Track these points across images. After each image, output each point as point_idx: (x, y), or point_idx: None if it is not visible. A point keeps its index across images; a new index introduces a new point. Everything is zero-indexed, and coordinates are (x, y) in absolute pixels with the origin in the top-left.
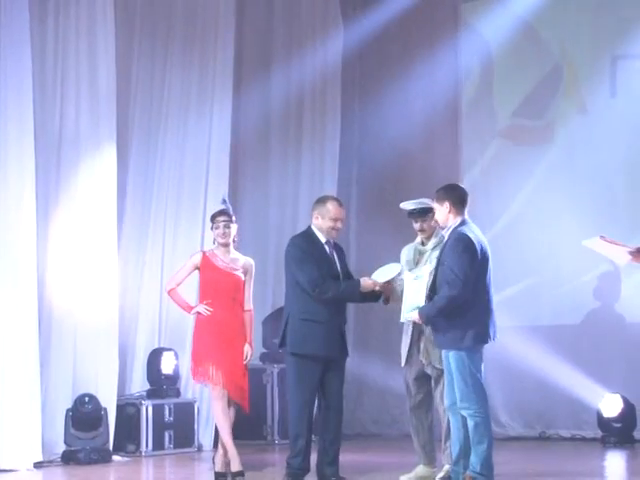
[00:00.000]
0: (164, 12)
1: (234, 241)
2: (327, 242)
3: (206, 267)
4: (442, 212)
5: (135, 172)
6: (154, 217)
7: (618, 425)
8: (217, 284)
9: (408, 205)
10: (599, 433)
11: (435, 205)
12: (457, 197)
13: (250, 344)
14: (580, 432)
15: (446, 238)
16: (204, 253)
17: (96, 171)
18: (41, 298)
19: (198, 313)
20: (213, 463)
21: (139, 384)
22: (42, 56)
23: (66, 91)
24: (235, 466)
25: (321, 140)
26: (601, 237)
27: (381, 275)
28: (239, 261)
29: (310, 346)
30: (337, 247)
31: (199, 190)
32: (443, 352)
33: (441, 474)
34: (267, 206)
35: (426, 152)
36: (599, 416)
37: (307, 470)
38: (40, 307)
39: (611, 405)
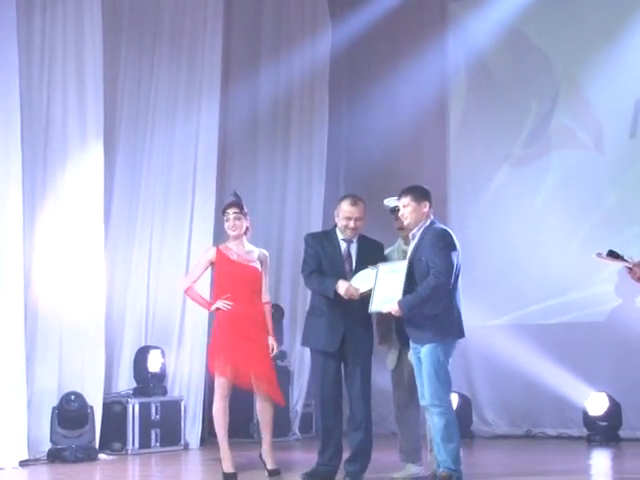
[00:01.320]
0: (152, 10)
1: (246, 233)
2: (345, 240)
3: (221, 261)
4: (419, 211)
5: (122, 170)
6: (141, 216)
7: (604, 424)
8: (235, 277)
9: (391, 202)
10: (585, 432)
11: (411, 204)
12: (431, 197)
13: (273, 337)
14: (566, 430)
15: (418, 236)
16: (218, 247)
17: (83, 170)
18: (27, 296)
19: (217, 309)
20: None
21: (126, 382)
22: (29, 55)
23: (53, 89)
24: (227, 467)
25: (309, 138)
26: (597, 255)
27: (361, 282)
28: (254, 252)
29: (312, 340)
30: (366, 245)
31: (187, 189)
32: (415, 347)
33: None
34: (254, 203)
35: (414, 150)
36: (585, 414)
37: (331, 466)
38: (26, 305)
39: (597, 403)
